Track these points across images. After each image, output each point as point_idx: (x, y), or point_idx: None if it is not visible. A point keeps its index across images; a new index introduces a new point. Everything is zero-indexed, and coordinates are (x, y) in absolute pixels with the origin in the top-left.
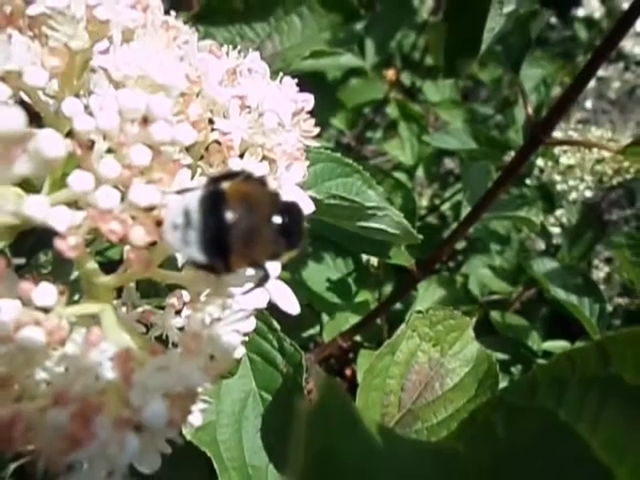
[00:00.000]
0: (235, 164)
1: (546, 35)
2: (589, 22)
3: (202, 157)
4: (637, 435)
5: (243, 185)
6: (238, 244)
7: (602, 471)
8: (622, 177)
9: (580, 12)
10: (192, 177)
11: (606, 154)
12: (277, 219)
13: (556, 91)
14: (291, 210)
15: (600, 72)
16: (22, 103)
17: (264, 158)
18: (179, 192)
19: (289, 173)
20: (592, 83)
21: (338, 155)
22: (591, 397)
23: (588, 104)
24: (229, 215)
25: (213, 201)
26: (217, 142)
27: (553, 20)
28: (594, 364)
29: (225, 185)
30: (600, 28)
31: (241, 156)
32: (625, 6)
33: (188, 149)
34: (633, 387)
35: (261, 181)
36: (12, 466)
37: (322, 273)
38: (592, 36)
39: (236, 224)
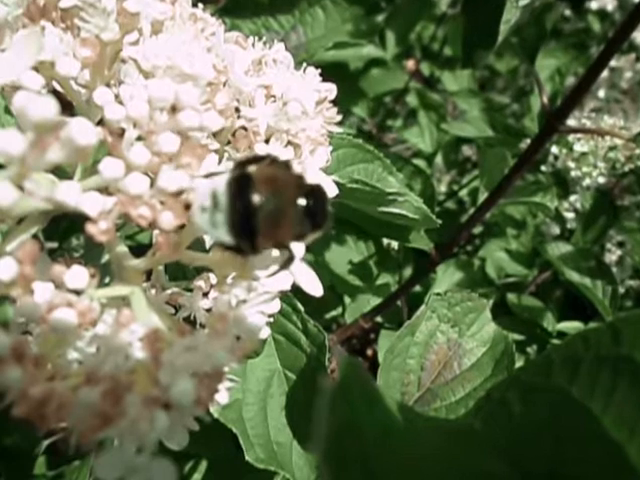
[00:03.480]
0: (261, 149)
1: (560, 27)
2: (602, 14)
3: (229, 142)
4: None
5: (269, 169)
6: (264, 226)
7: (614, 448)
8: (634, 164)
9: (593, 5)
10: (219, 162)
11: (618, 142)
12: (302, 201)
13: (570, 81)
14: (316, 192)
15: (612, 63)
16: (55, 92)
17: (289, 143)
18: (207, 176)
19: (313, 158)
20: (605, 73)
21: (360, 141)
22: (603, 376)
23: (601, 93)
24: (256, 197)
25: (240, 184)
26: (244, 128)
27: (567, 12)
28: (606, 344)
29: (251, 169)
30: (613, 20)
31: (267, 142)
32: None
33: (215, 135)
34: None
35: (286, 165)
36: (45, 442)
37: (344, 256)
38: (605, 28)
39: (262, 206)
